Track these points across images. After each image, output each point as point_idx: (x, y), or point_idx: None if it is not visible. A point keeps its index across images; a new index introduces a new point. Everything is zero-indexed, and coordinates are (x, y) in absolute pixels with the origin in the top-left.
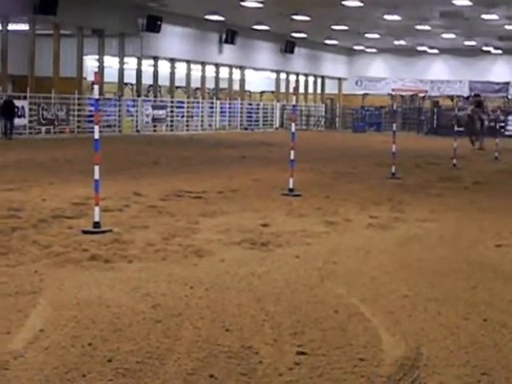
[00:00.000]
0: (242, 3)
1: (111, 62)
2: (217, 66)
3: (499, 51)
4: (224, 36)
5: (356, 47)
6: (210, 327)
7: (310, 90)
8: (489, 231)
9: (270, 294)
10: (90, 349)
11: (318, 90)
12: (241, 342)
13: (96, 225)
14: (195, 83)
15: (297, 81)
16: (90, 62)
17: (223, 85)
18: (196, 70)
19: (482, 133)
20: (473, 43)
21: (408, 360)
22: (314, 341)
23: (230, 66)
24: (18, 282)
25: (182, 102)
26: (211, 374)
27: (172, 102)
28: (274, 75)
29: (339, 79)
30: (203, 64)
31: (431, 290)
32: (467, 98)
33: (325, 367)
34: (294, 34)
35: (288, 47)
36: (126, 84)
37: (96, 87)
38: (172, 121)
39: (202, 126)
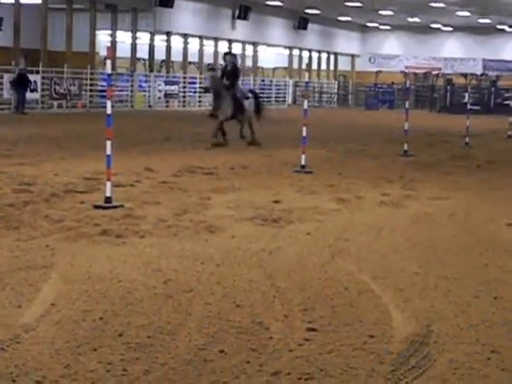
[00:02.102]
0: None
1: (124, 37)
2: (230, 41)
3: None
4: (237, 12)
5: (369, 24)
6: (220, 303)
7: (323, 66)
8: (500, 210)
9: (281, 270)
10: (101, 323)
11: (331, 67)
12: (251, 318)
13: (108, 200)
14: (208, 59)
15: (310, 57)
16: (103, 37)
17: None
18: (209, 46)
19: (241, 117)
20: (487, 21)
21: (418, 337)
22: (324, 317)
23: (243, 42)
24: (29, 256)
25: (195, 78)
26: (221, 349)
27: (184, 77)
28: (287, 51)
29: (352, 56)
30: (216, 40)
31: (442, 267)
32: (481, 75)
33: (334, 343)
34: (308, 11)
35: (301, 23)
36: (139, 59)
37: (108, 62)
38: (184, 96)
39: None
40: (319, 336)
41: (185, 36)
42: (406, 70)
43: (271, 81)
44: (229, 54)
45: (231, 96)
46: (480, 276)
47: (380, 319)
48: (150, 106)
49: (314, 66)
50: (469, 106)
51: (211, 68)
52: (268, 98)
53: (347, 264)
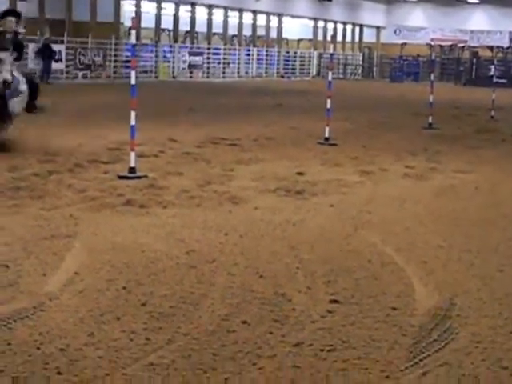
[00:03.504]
0: None
1: (148, 7)
2: (254, 12)
3: None
4: None
5: None
6: (243, 274)
7: (348, 38)
8: None
9: (304, 242)
10: (125, 292)
11: (356, 39)
12: (274, 289)
13: (131, 170)
14: (232, 30)
15: (334, 29)
16: (128, 7)
17: (260, 32)
18: (233, 17)
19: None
20: None
21: (441, 310)
22: (347, 289)
23: (268, 14)
24: (53, 225)
25: (219, 49)
26: (244, 320)
27: (209, 48)
28: (312, 23)
29: (377, 28)
30: (240, 11)
31: (466, 240)
32: (508, 47)
33: (357, 316)
34: None
35: None
36: (163, 30)
37: (133, 32)
38: (208, 67)
39: (238, 73)
40: (342, 308)
41: (209, 7)
42: (432, 43)
43: (295, 52)
44: (10, 12)
45: None
46: (504, 250)
47: (403, 292)
48: (174, 77)
49: (339, 38)
50: (495, 79)
51: None
52: (292, 69)
53: (371, 236)
